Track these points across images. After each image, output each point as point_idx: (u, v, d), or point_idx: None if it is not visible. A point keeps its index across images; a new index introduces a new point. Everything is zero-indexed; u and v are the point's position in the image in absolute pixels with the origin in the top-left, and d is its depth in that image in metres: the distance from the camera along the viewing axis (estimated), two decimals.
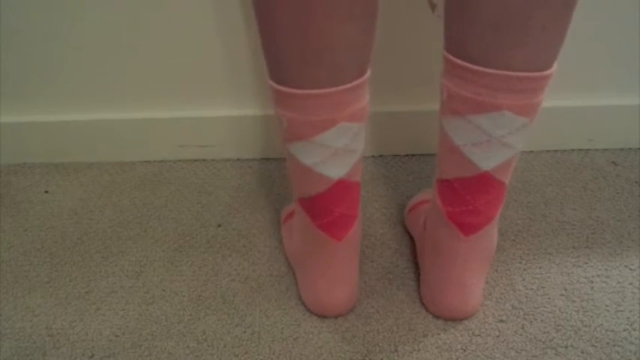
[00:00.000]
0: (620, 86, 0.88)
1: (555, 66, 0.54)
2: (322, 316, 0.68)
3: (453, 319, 0.67)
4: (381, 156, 0.95)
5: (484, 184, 0.59)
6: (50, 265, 0.79)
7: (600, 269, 0.72)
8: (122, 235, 0.84)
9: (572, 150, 0.93)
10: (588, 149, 0.92)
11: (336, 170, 0.60)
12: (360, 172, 0.64)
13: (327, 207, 0.62)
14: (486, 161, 0.57)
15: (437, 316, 0.67)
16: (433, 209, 0.66)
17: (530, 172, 0.89)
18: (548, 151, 0.93)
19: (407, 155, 0.95)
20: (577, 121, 0.90)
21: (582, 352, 0.62)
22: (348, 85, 0.55)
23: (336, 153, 0.58)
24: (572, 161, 0.90)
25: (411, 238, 0.78)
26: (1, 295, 0.75)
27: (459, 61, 0.53)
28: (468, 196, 0.60)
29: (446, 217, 0.62)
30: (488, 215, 0.61)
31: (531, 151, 0.93)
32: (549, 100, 0.89)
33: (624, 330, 0.64)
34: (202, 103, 0.93)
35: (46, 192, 0.94)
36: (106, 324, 0.70)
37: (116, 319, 0.71)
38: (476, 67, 0.52)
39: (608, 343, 0.63)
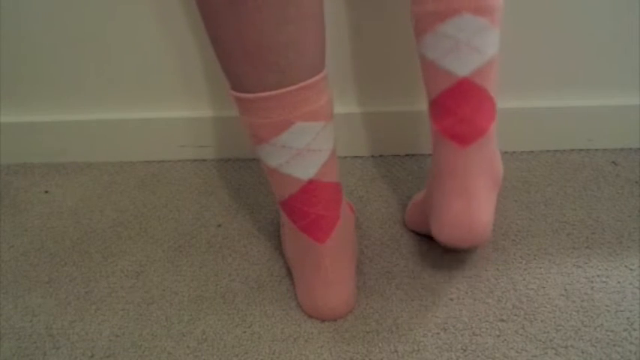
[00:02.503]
0: (620, 86, 0.88)
1: None
2: (320, 320, 0.68)
3: (461, 238, 0.63)
4: (381, 156, 0.95)
5: (465, 90, 0.61)
6: (50, 265, 0.79)
7: (600, 269, 0.72)
8: (122, 235, 0.84)
9: (572, 150, 0.93)
10: (588, 149, 0.92)
11: (303, 171, 0.61)
12: (335, 171, 0.64)
13: (302, 208, 0.63)
14: (460, 67, 0.59)
15: (448, 247, 0.64)
16: (433, 138, 0.66)
17: (530, 172, 0.89)
18: (548, 151, 0.93)
19: (407, 155, 0.95)
20: (577, 121, 0.90)
21: (582, 352, 0.62)
22: (296, 87, 0.56)
23: (299, 153, 0.59)
24: (572, 161, 0.90)
25: (410, 238, 0.78)
26: (1, 295, 0.75)
27: None
28: (454, 106, 0.61)
29: (441, 135, 0.63)
30: (478, 125, 0.62)
31: (531, 151, 0.93)
32: (549, 100, 0.90)
33: (624, 330, 0.64)
34: (202, 103, 0.93)
35: (46, 192, 0.94)
36: (106, 324, 0.70)
37: (116, 319, 0.71)
38: None
39: (608, 343, 0.63)
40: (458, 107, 0.61)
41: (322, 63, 0.59)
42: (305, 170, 0.61)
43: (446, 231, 0.63)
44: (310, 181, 0.61)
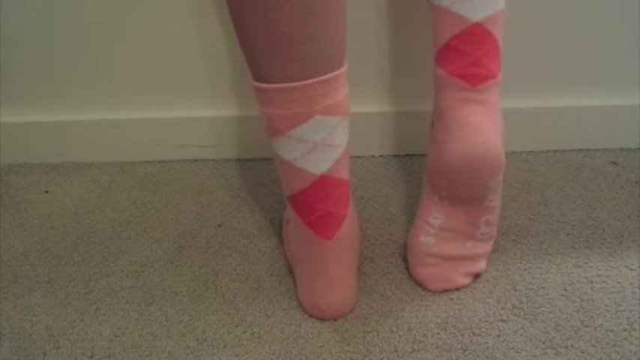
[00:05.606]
0: (620, 86, 0.88)
1: None
2: (320, 319, 0.68)
3: (471, 164, 0.62)
4: (381, 156, 0.95)
5: (477, 34, 0.62)
6: (50, 265, 0.79)
7: (600, 269, 0.72)
8: (122, 235, 0.84)
9: (572, 150, 0.93)
10: (588, 149, 0.92)
11: (316, 165, 0.61)
12: (347, 169, 0.64)
13: (311, 204, 0.63)
14: (474, 12, 0.61)
15: (450, 175, 0.63)
16: (437, 87, 0.66)
17: (530, 172, 0.89)
18: (548, 151, 0.93)
19: (407, 155, 0.95)
20: (577, 121, 0.90)
21: (582, 352, 0.62)
22: (318, 79, 0.56)
23: (315, 147, 0.59)
24: (572, 161, 0.91)
25: None
26: (1, 295, 0.75)
27: None
28: (466, 49, 0.62)
29: (449, 76, 0.63)
30: (490, 68, 0.63)
31: (531, 151, 0.93)
32: (549, 100, 0.90)
33: (624, 330, 0.64)
34: (202, 103, 0.93)
35: (46, 192, 0.94)
36: (106, 324, 0.70)
37: (116, 319, 0.71)
38: None
39: (608, 343, 0.63)
40: (471, 50, 0.62)
41: (343, 58, 0.59)
42: (319, 165, 0.61)
43: (449, 157, 0.62)
44: (322, 176, 0.62)
